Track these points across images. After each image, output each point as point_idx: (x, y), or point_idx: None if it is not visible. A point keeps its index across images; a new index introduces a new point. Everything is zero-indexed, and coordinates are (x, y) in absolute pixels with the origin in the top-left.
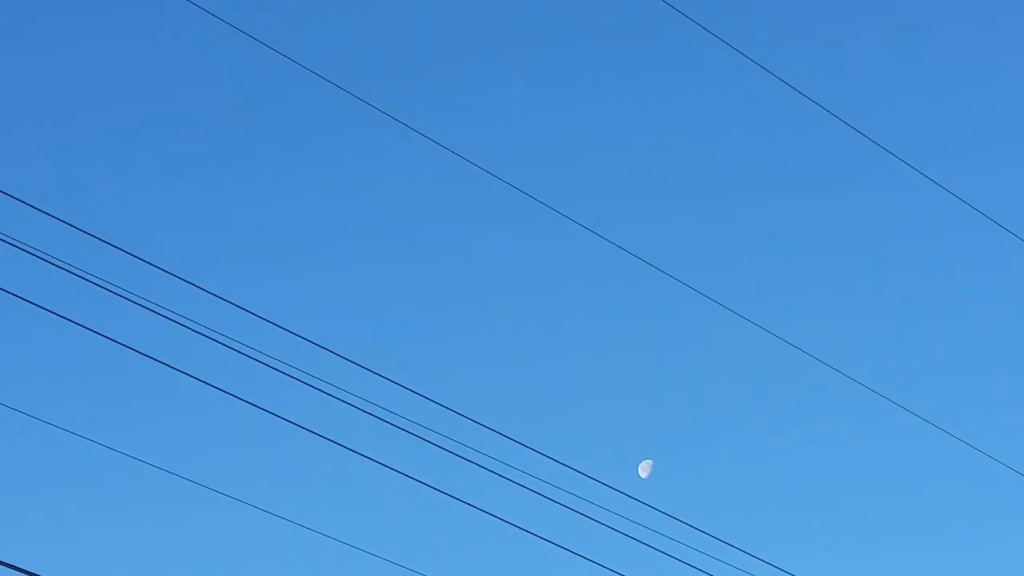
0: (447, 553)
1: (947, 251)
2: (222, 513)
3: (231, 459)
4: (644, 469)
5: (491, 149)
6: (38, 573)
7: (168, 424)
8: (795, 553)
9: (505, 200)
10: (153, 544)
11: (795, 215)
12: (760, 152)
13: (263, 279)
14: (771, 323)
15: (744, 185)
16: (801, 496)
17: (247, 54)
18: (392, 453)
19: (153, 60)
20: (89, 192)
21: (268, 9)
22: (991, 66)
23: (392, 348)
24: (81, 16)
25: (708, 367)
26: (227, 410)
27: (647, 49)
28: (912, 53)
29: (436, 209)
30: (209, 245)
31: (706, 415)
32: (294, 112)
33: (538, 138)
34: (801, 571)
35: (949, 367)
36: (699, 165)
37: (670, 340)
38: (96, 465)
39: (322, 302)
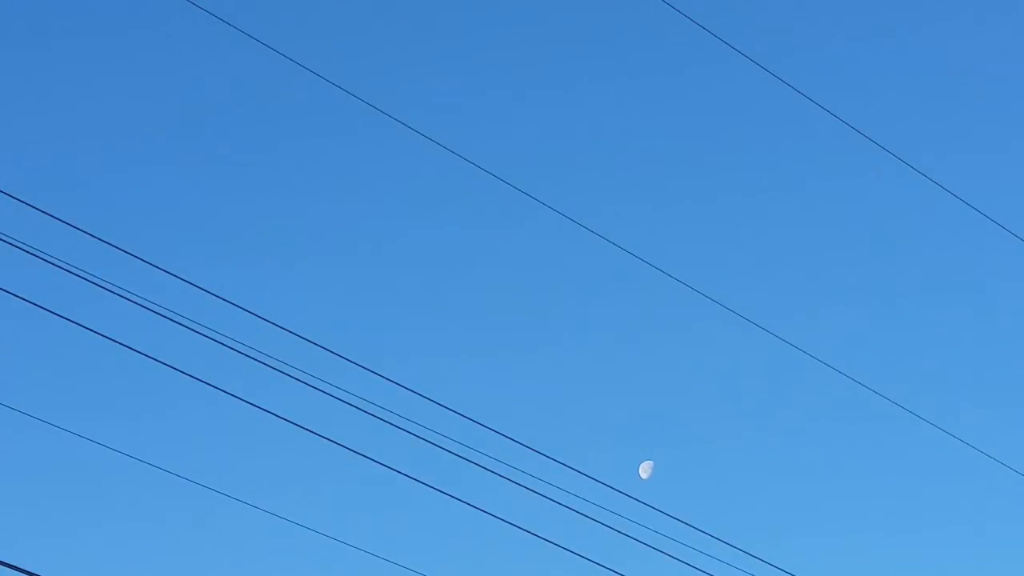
0: (447, 553)
1: (947, 251)
2: (222, 513)
3: (231, 459)
4: (644, 470)
5: (491, 149)
6: (38, 573)
7: (168, 424)
8: (795, 553)
9: (505, 200)
10: (153, 544)
11: (795, 215)
12: (760, 152)
13: (263, 279)
14: (771, 323)
15: (744, 185)
16: (801, 496)
17: (247, 54)
18: (392, 453)
19: (153, 60)
20: (89, 192)
21: (268, 9)
22: (990, 66)
23: (392, 348)
24: (81, 15)
25: (708, 367)
26: (227, 410)
27: (648, 49)
28: (911, 53)
29: (436, 209)
30: (209, 245)
31: (706, 415)
32: (294, 112)
33: (538, 138)
34: (801, 571)
35: (949, 367)
36: (699, 165)
37: (670, 340)
38: (96, 465)
39: (322, 302)
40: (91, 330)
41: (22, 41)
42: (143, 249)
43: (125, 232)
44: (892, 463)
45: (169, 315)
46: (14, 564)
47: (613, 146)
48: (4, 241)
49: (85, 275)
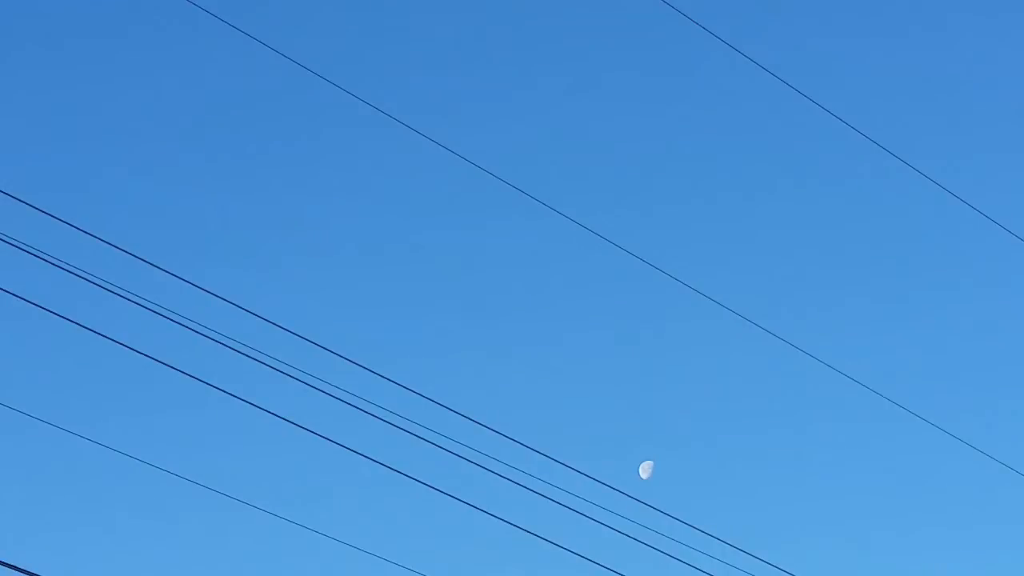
0: (447, 553)
1: (947, 251)
2: (222, 513)
3: (231, 459)
4: (645, 470)
5: (491, 149)
6: (38, 573)
7: (168, 424)
8: (795, 553)
9: (505, 200)
10: (153, 544)
11: (794, 215)
12: (760, 152)
13: (263, 279)
14: (771, 323)
15: (744, 185)
16: (801, 496)
17: (247, 54)
18: (392, 453)
19: (153, 59)
20: (89, 192)
21: (268, 9)
22: (991, 66)
23: (392, 348)
24: (81, 15)
25: (708, 367)
26: (227, 410)
27: (648, 49)
28: (911, 53)
29: (436, 209)
30: (209, 245)
31: (706, 415)
32: (294, 112)
33: (538, 138)
34: (801, 571)
35: (949, 367)
36: (699, 164)
37: (670, 340)
38: (96, 465)
39: (322, 302)
40: (91, 330)
41: (22, 41)
42: (143, 249)
43: (125, 232)
44: (892, 463)
45: (169, 315)
46: (14, 564)
47: (612, 146)
48: (4, 241)
49: (85, 275)
